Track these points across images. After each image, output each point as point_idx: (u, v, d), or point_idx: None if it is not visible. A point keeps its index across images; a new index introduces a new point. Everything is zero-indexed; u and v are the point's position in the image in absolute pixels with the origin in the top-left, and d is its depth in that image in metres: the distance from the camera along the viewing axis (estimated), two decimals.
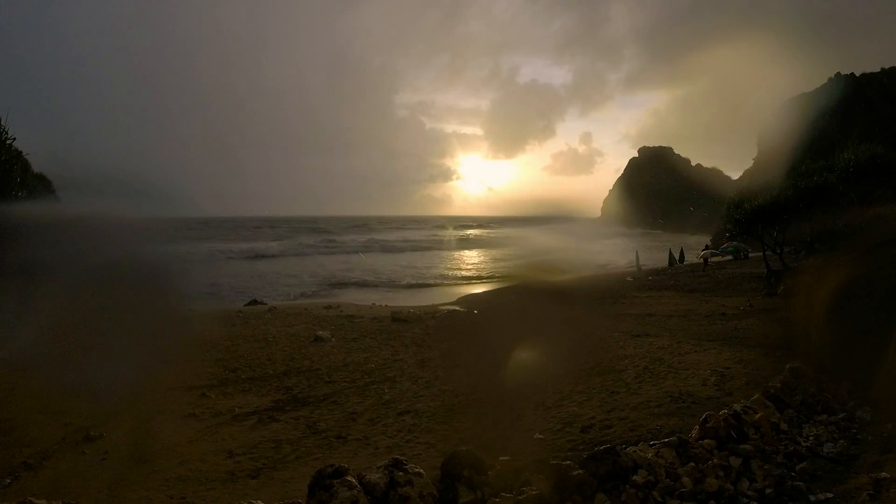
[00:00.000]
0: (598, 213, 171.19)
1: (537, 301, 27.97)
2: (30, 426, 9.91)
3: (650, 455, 6.13)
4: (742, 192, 30.56)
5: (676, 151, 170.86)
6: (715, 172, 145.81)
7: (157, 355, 13.23)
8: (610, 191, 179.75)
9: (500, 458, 7.21)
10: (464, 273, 49.53)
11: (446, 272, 50.42)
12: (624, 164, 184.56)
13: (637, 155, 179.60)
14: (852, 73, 76.26)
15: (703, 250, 44.11)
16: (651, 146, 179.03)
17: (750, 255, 40.58)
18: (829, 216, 26.82)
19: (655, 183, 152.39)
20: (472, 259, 65.73)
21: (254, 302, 28.24)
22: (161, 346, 13.54)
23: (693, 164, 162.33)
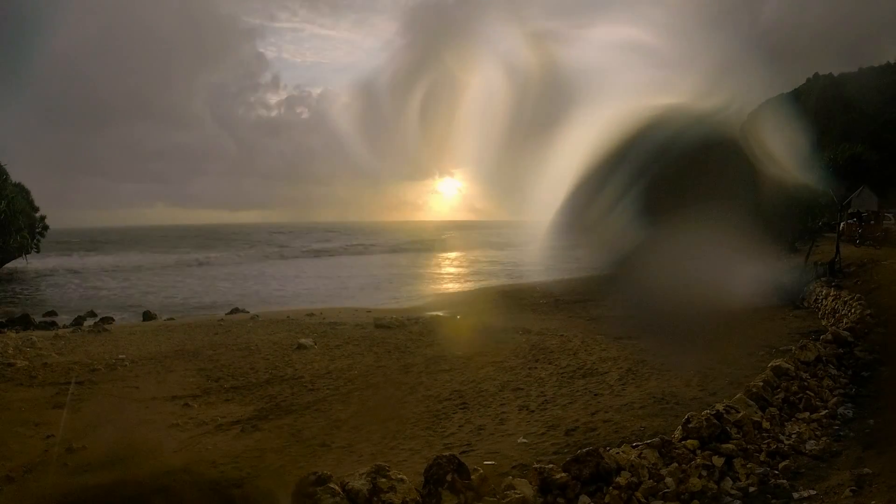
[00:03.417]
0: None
1: (518, 305, 28.07)
2: (11, 439, 9.78)
3: (633, 456, 6.14)
4: None
5: None
6: None
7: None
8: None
9: (485, 462, 7.21)
10: None
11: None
12: None
13: None
14: (830, 74, 77.08)
15: None
16: None
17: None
18: (810, 216, 27.09)
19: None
20: None
21: (236, 310, 28.09)
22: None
23: None
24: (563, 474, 5.74)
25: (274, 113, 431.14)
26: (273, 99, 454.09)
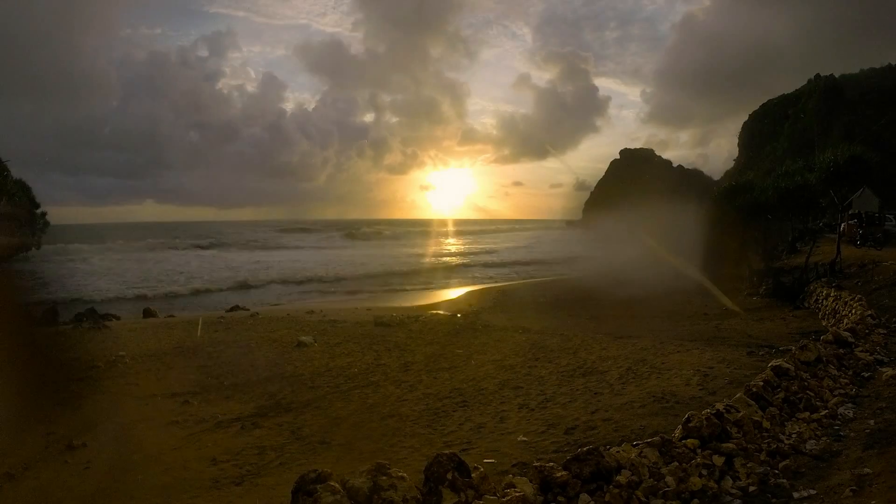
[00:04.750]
0: (579, 216, 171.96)
1: (518, 303, 28.09)
2: (11, 436, 9.78)
3: (633, 455, 6.13)
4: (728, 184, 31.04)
5: (658, 153, 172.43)
6: (696, 174, 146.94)
7: None
8: (591, 193, 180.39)
9: (485, 460, 7.21)
10: None
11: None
12: None
13: (619, 157, 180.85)
14: (832, 75, 77.10)
15: None
16: (633, 148, 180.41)
17: None
18: (810, 216, 27.16)
19: (637, 185, 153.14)
20: None
21: (236, 308, 28.12)
22: None
23: (675, 165, 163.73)
24: (563, 473, 5.73)
25: (255, 105, 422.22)
26: (252, 91, 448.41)
